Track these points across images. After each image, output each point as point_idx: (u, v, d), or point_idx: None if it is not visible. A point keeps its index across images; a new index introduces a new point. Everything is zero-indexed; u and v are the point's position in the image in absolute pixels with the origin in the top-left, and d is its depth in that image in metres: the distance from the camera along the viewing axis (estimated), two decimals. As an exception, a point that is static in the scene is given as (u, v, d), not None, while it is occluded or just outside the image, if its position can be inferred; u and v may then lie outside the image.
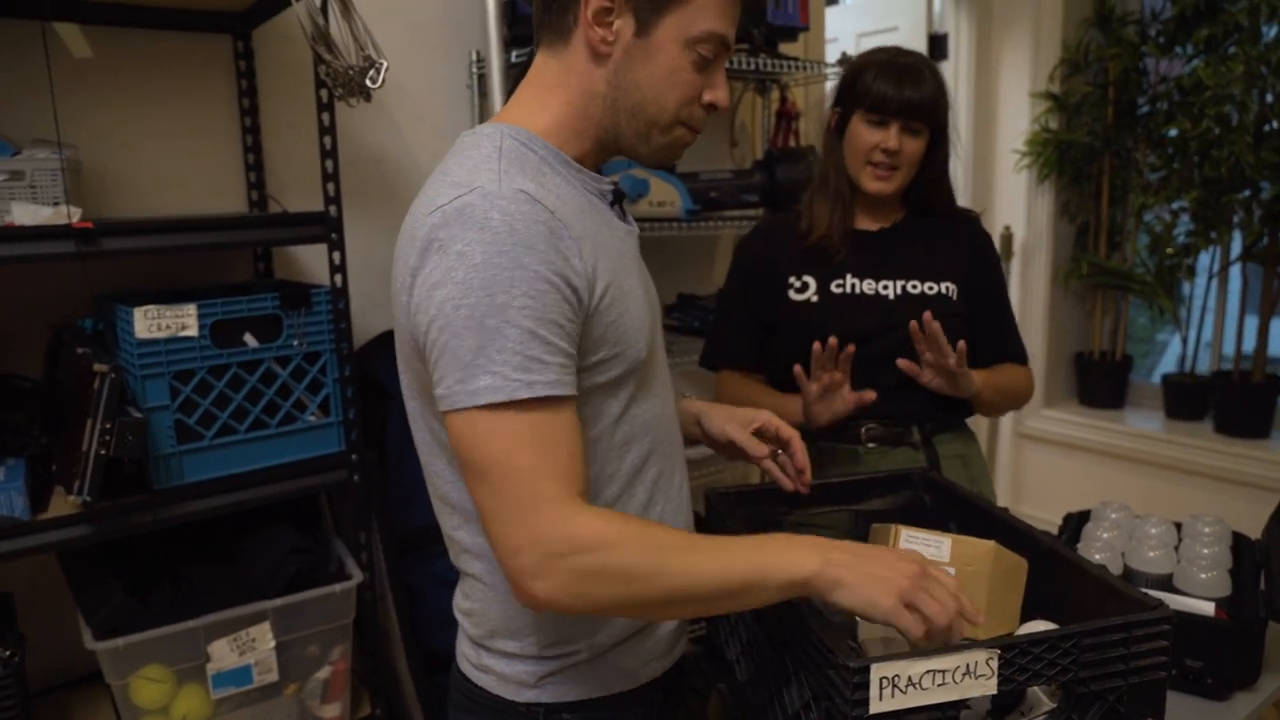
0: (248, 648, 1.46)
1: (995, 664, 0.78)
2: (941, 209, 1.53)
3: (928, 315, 1.37)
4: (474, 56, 2.07)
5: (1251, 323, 3.06)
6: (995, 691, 0.78)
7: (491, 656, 0.97)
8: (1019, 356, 1.58)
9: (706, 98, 0.92)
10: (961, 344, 1.38)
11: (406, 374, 0.92)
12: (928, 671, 0.76)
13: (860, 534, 1.19)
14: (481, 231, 0.78)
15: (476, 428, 0.79)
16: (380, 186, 2.00)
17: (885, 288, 1.50)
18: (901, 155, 1.44)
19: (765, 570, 0.80)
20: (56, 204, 1.41)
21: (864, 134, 1.45)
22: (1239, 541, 1.37)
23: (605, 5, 0.86)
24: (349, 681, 1.63)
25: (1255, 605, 1.18)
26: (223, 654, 1.44)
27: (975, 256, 1.54)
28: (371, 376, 1.79)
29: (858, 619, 1.02)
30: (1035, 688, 0.87)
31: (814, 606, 0.88)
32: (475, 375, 0.78)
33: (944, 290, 1.49)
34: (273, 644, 1.48)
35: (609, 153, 0.96)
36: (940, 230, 1.54)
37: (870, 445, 1.48)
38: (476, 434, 0.79)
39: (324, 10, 1.47)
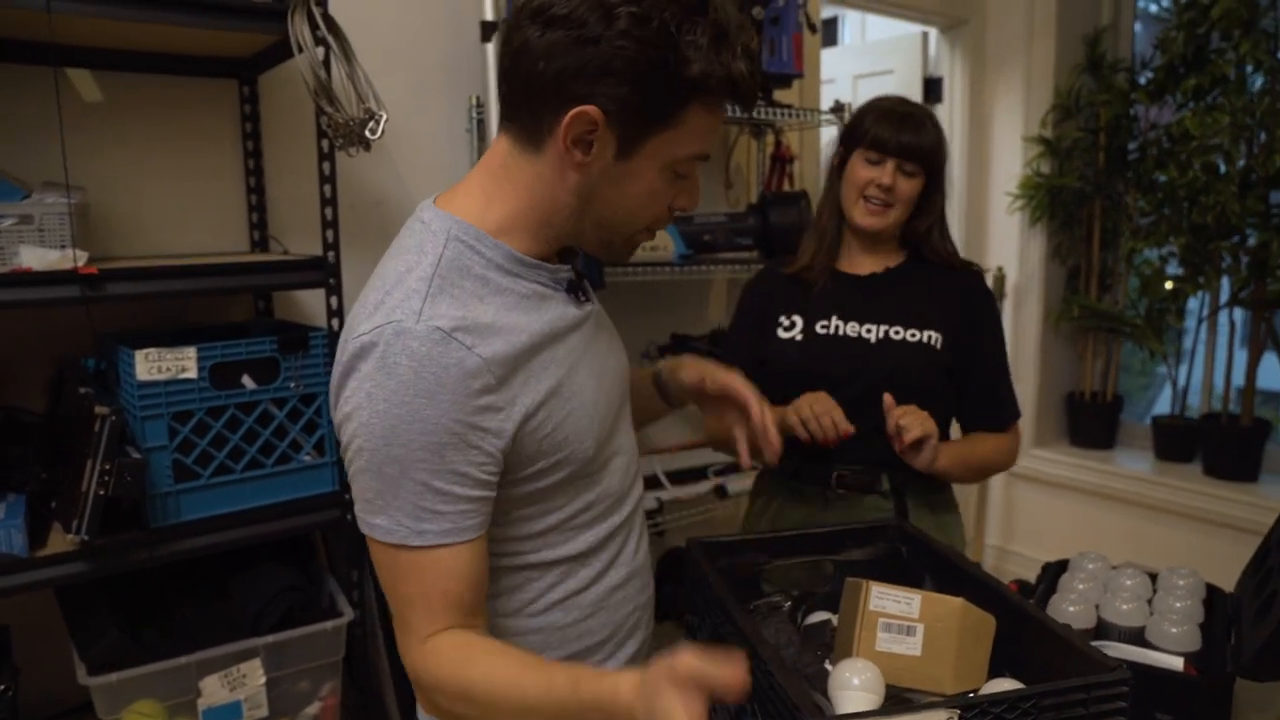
0: (238, 684, 1.48)
1: (956, 723, 0.81)
2: (935, 257, 1.55)
3: (889, 401, 1.41)
4: (474, 101, 2.13)
5: (1241, 360, 3.09)
6: (956, 750, 0.81)
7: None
8: (1004, 420, 1.57)
9: (676, 204, 0.91)
10: (914, 431, 1.37)
11: None
12: (890, 730, 0.79)
13: (838, 583, 1.22)
14: (388, 377, 0.80)
15: (376, 553, 0.87)
16: (380, 228, 2.04)
17: (868, 331, 1.52)
18: (895, 193, 1.49)
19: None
20: (64, 247, 1.45)
21: (861, 170, 1.50)
22: (1213, 594, 1.40)
23: (586, 129, 0.82)
24: (339, 717, 1.65)
25: (1224, 661, 1.20)
26: (214, 690, 1.46)
27: (969, 311, 1.54)
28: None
29: (829, 666, 1.05)
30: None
31: (783, 660, 0.91)
32: (374, 513, 0.84)
33: (926, 339, 1.51)
34: (263, 680, 1.50)
35: (567, 246, 0.95)
36: (935, 280, 1.56)
37: (840, 491, 1.51)
38: (376, 558, 0.87)
39: (326, 63, 1.52)
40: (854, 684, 0.93)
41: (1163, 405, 3.86)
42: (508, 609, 0.96)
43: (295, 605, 1.56)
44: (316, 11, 1.48)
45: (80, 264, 1.36)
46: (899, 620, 1.00)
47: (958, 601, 1.00)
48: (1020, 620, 1.02)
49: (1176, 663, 1.19)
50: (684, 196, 0.91)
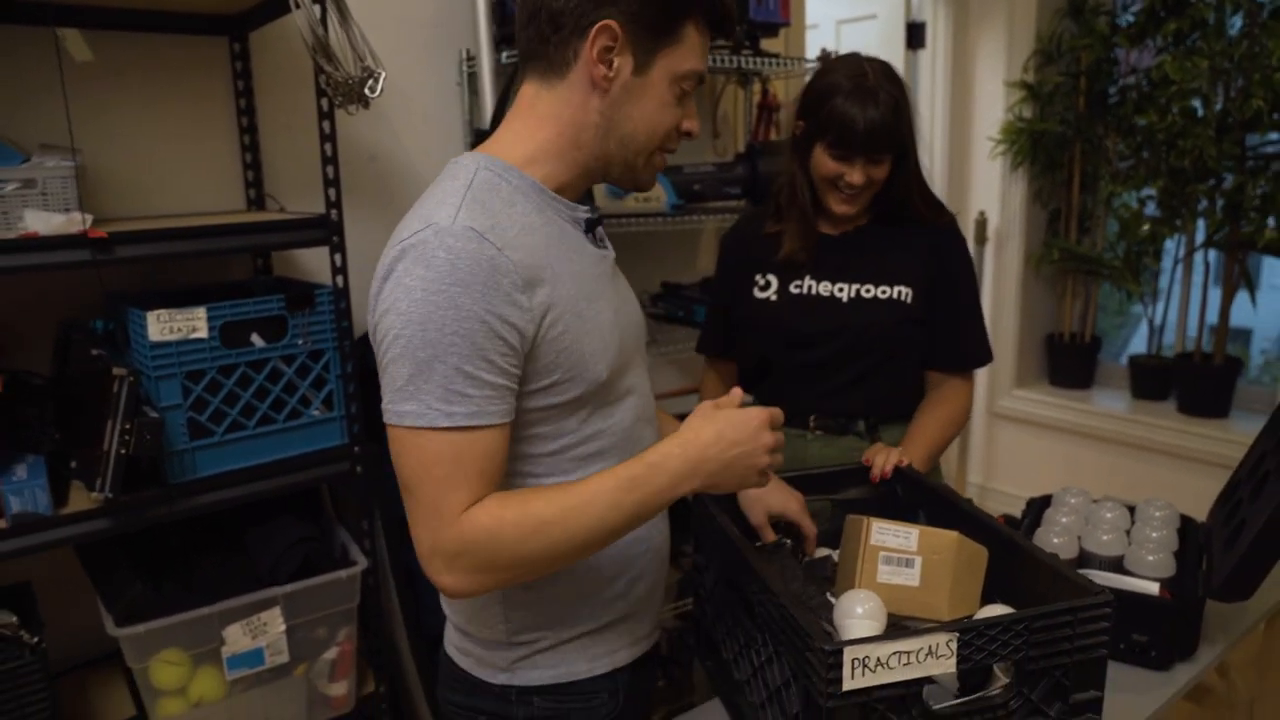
0: (260, 631, 1.54)
1: (954, 645, 0.87)
2: (914, 216, 1.55)
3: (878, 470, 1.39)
4: (464, 55, 2.13)
5: (1214, 300, 3.18)
6: (954, 670, 0.88)
7: (470, 641, 1.07)
8: (965, 362, 1.59)
9: (685, 126, 1.01)
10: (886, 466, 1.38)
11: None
12: (894, 653, 0.86)
13: (838, 520, 1.29)
14: (426, 269, 0.86)
15: (403, 445, 0.89)
16: (374, 183, 2.06)
17: (840, 290, 1.55)
18: (867, 184, 1.47)
19: (645, 510, 0.92)
20: (68, 210, 1.46)
21: (828, 163, 1.46)
22: (1186, 524, 1.48)
23: (608, 44, 0.93)
24: (355, 661, 1.72)
25: (1195, 585, 1.29)
26: (236, 638, 1.52)
27: (939, 261, 1.55)
28: (370, 367, 1.86)
29: (831, 598, 1.12)
30: (995, 665, 0.96)
31: (792, 593, 0.97)
32: (403, 399, 0.87)
33: (897, 295, 1.53)
34: (283, 627, 1.56)
35: (594, 179, 1.02)
36: (905, 235, 1.56)
37: (817, 433, 1.57)
38: (400, 448, 0.89)
39: (324, 20, 1.52)
40: (858, 613, 1.00)
41: (1137, 343, 3.96)
42: None
43: (310, 555, 1.61)
44: (311, -32, 1.48)
45: (84, 227, 1.38)
46: (898, 553, 1.07)
47: (953, 535, 1.07)
48: (1010, 551, 1.09)
49: (1152, 588, 1.27)
50: (691, 119, 1.01)
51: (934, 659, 0.87)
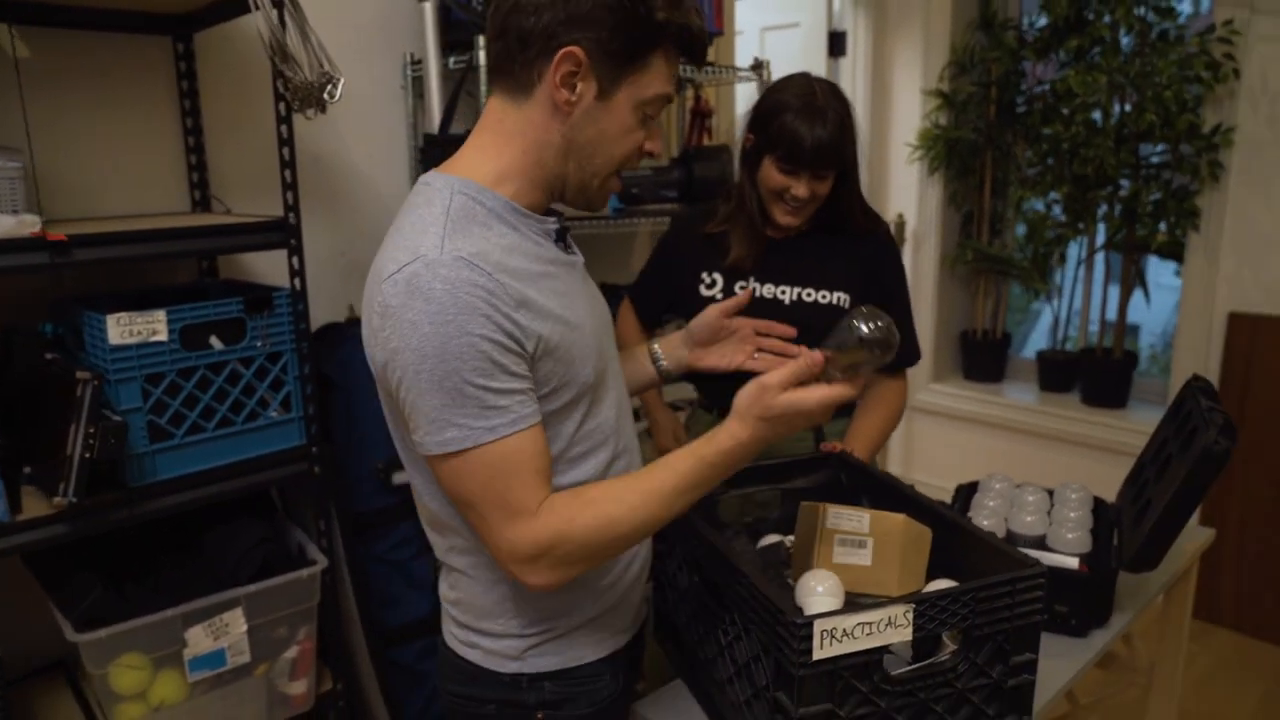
0: (222, 632, 1.54)
1: (911, 616, 0.97)
2: (853, 228, 1.65)
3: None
4: (408, 58, 2.15)
5: (1113, 298, 3.42)
6: (910, 639, 0.97)
7: (478, 636, 1.11)
8: (904, 361, 1.71)
9: (646, 147, 1.04)
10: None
11: (387, 404, 1.03)
12: (859, 624, 0.95)
13: (789, 509, 1.38)
14: (428, 302, 0.88)
15: (454, 469, 0.94)
16: (318, 184, 2.06)
17: (783, 293, 1.64)
18: (811, 198, 1.56)
19: (707, 488, 1.01)
20: (16, 212, 1.44)
21: (776, 176, 1.55)
22: (1099, 504, 1.62)
23: (572, 69, 0.94)
24: (314, 659, 1.73)
25: (1109, 559, 1.42)
26: (198, 639, 1.52)
27: (874, 268, 1.65)
28: (324, 371, 1.87)
29: (790, 580, 1.20)
30: (944, 634, 1.06)
31: (759, 570, 1.05)
32: (443, 429, 0.92)
33: (836, 300, 1.63)
34: (245, 628, 1.57)
35: (554, 197, 1.06)
36: (843, 242, 1.65)
37: None
38: (456, 474, 0.94)
39: (282, 22, 1.53)
40: (818, 591, 1.08)
41: (1037, 338, 4.21)
42: None
43: (270, 556, 1.62)
44: (270, -27, 1.49)
45: (37, 229, 1.36)
46: (852, 535, 1.16)
47: (900, 517, 1.17)
48: (952, 531, 1.19)
49: (1072, 562, 1.40)
50: (653, 140, 1.04)
51: (893, 628, 0.96)
